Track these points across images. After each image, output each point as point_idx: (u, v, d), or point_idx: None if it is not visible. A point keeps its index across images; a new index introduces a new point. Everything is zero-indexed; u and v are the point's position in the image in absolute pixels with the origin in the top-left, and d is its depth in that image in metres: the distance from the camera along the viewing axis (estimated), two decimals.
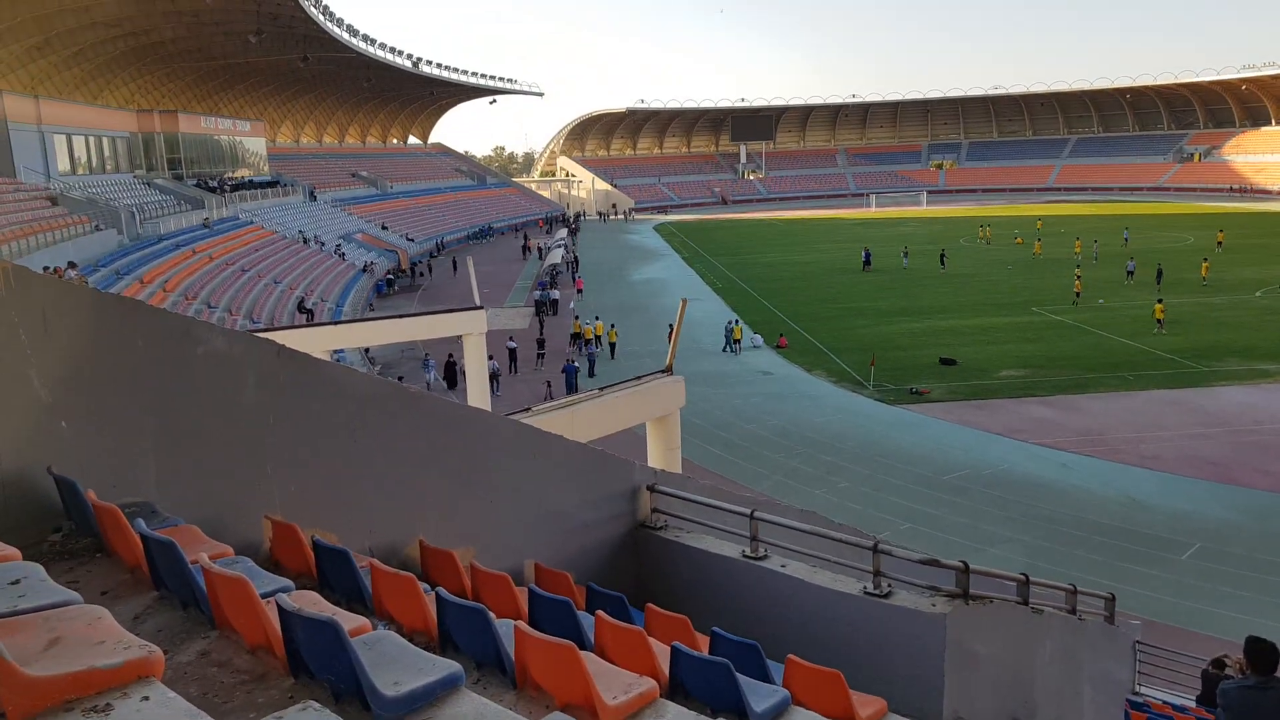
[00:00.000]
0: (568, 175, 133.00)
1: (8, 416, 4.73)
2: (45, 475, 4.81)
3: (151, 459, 5.31)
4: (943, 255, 59.08)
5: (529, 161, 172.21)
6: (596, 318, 40.97)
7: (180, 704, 2.61)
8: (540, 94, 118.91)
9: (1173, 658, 13.02)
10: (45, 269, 28.85)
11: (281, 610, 3.38)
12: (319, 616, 3.25)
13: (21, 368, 4.74)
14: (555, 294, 49.59)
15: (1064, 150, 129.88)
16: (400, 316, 31.28)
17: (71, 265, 30.39)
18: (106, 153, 51.77)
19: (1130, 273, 49.68)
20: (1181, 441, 25.01)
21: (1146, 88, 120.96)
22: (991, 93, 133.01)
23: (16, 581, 3.19)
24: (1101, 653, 10.73)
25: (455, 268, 62.61)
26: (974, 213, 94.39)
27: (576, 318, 41.77)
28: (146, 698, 2.62)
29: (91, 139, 49.93)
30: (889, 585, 6.46)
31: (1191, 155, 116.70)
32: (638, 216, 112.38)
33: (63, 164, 44.80)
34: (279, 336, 24.13)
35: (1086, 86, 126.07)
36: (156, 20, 51.83)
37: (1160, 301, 38.50)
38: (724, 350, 37.55)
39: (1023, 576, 7.65)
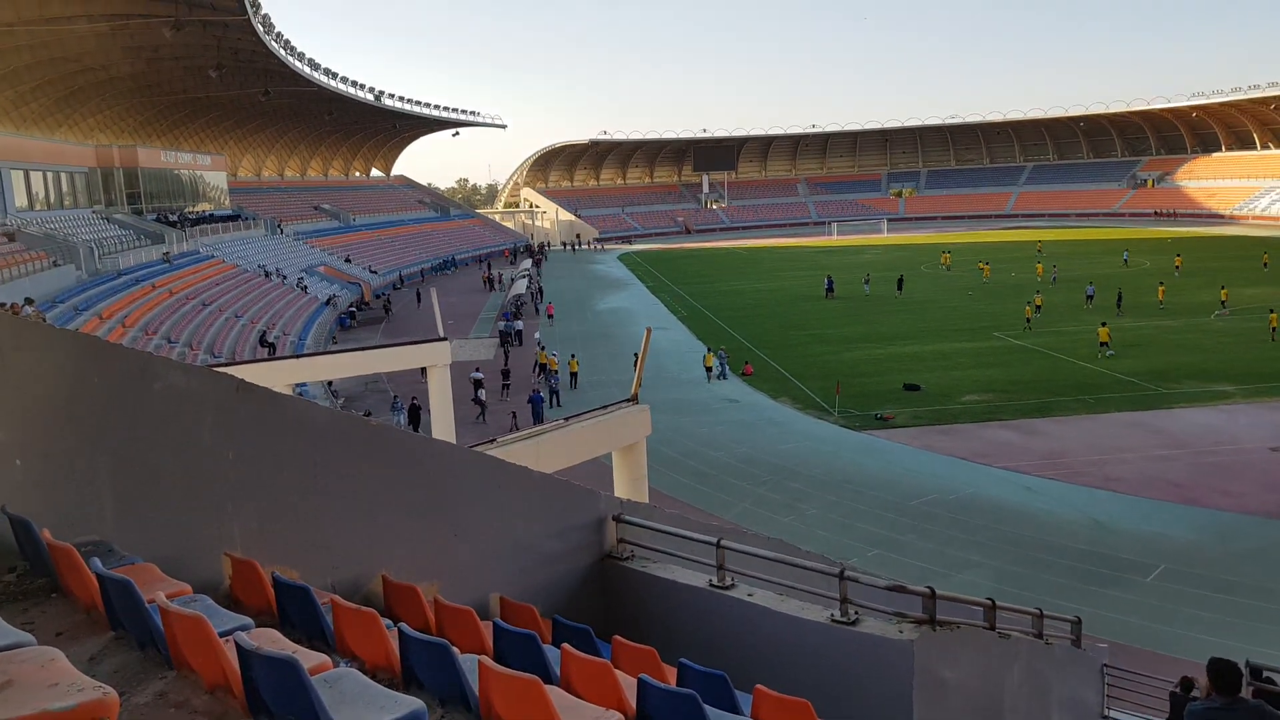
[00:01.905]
0: (532, 206, 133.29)
1: None
2: (0, 515, 4.71)
3: (109, 496, 5.21)
4: (900, 280, 59.86)
5: (493, 193, 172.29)
6: (542, 347, 41.17)
7: None
8: (503, 126, 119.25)
9: (1141, 680, 13.13)
10: (1, 305, 28.34)
11: (240, 649, 3.32)
12: (278, 655, 3.20)
13: None
14: (519, 325, 49.54)
15: (1020, 177, 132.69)
16: (364, 349, 31.04)
17: (29, 301, 29.83)
18: (65, 188, 51.11)
19: (1090, 297, 50.50)
20: (1143, 463, 25.39)
21: (1100, 116, 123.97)
22: (949, 122, 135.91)
23: None
24: (1069, 677, 10.79)
25: (419, 300, 62.36)
26: (934, 240, 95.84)
27: (542, 348, 41.79)
28: None
29: (50, 174, 49.28)
30: (856, 612, 6.47)
31: (1145, 181, 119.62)
32: (606, 246, 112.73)
33: (20, 199, 44.16)
34: (241, 371, 23.86)
35: (1041, 115, 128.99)
36: (116, 55, 51.39)
37: (1105, 325, 39.24)
38: (711, 380, 37.75)
39: (989, 601, 7.70)
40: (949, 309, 52.31)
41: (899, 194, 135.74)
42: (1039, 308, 47.27)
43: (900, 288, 58.61)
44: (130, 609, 3.93)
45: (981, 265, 66.52)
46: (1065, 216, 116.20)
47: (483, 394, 33.36)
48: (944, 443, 28.03)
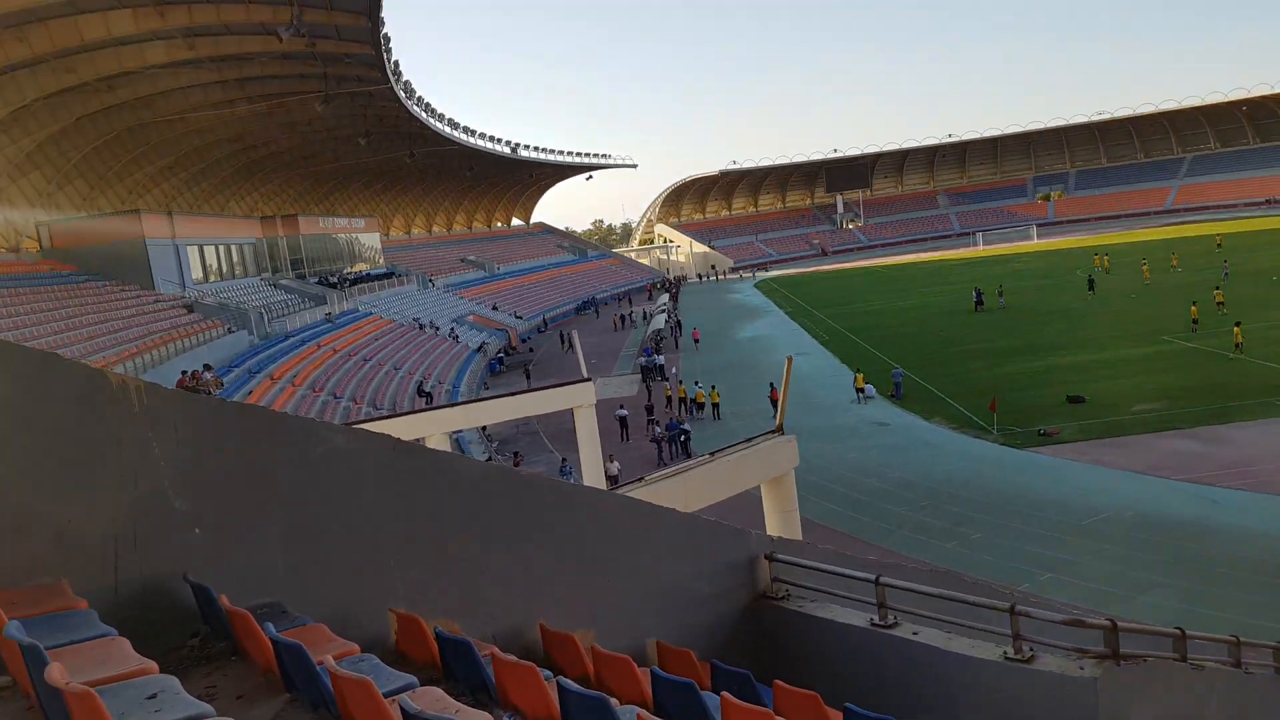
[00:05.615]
0: (665, 241, 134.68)
1: (147, 528, 4.97)
2: (183, 582, 5.03)
3: (280, 558, 5.49)
4: (1091, 281, 58.25)
5: (627, 231, 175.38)
6: (696, 382, 41.13)
7: None
8: (634, 165, 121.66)
9: None
10: (184, 373, 30.65)
11: (405, 714, 3.40)
12: (440, 718, 3.26)
13: (157, 480, 5.00)
14: (660, 359, 49.83)
15: (1180, 170, 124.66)
16: (514, 394, 31.83)
17: (207, 368, 32.13)
18: (235, 259, 55.07)
19: None
20: None
21: (1265, 97, 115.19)
22: (1096, 119, 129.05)
23: (154, 695, 3.30)
24: (1275, 705, 9.84)
25: (563, 341, 63.78)
26: (1089, 242, 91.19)
27: (680, 381, 41.92)
28: None
29: (221, 247, 53.20)
30: (1031, 649, 6.09)
31: None
32: (747, 274, 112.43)
33: (196, 273, 47.81)
34: (402, 421, 24.92)
35: (1199, 102, 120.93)
36: (273, 132, 55.36)
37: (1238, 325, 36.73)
38: (854, 402, 37.12)
39: (1178, 631, 7.12)
40: (1110, 314, 49.40)
41: (1046, 197, 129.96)
42: (1221, 304, 44.09)
43: (1091, 288, 57.03)
44: (303, 672, 4.10)
45: (1143, 265, 62.72)
46: (1233, 207, 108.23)
47: (658, 430, 34.00)
48: (1115, 456, 26.35)
